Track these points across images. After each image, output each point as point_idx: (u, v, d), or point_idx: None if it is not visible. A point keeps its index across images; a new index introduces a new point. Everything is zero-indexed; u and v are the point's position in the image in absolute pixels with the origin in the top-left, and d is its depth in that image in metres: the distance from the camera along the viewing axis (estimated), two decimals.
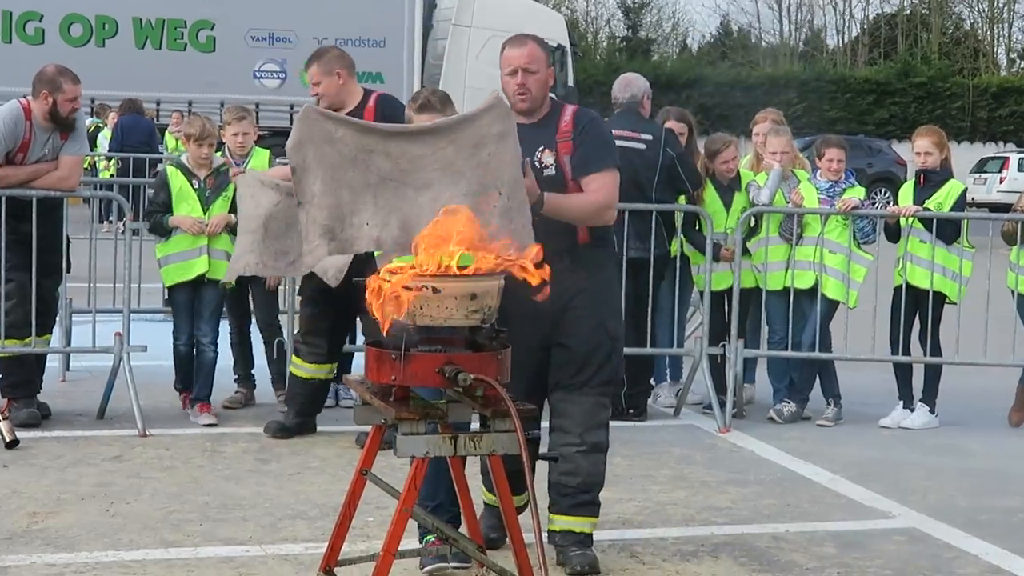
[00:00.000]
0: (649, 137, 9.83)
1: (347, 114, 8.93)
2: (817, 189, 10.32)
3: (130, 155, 18.45)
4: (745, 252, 10.30)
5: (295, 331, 9.55)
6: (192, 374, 9.63)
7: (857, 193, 10.30)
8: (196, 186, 9.43)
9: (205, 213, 9.36)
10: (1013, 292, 10.41)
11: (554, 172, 6.23)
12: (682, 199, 10.31)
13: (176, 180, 9.43)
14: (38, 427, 9.26)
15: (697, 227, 10.36)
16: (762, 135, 10.95)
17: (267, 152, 10.10)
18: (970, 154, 44.75)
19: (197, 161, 9.46)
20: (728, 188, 10.48)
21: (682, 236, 10.43)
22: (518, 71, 6.23)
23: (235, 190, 9.13)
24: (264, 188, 8.77)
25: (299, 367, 9.32)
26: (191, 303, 9.57)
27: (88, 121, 24.02)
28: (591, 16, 62.41)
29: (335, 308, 9.03)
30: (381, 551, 4.80)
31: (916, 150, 10.24)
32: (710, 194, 10.44)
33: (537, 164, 6.17)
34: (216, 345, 9.66)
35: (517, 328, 5.68)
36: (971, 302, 10.31)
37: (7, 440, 8.56)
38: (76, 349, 9.86)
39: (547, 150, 6.25)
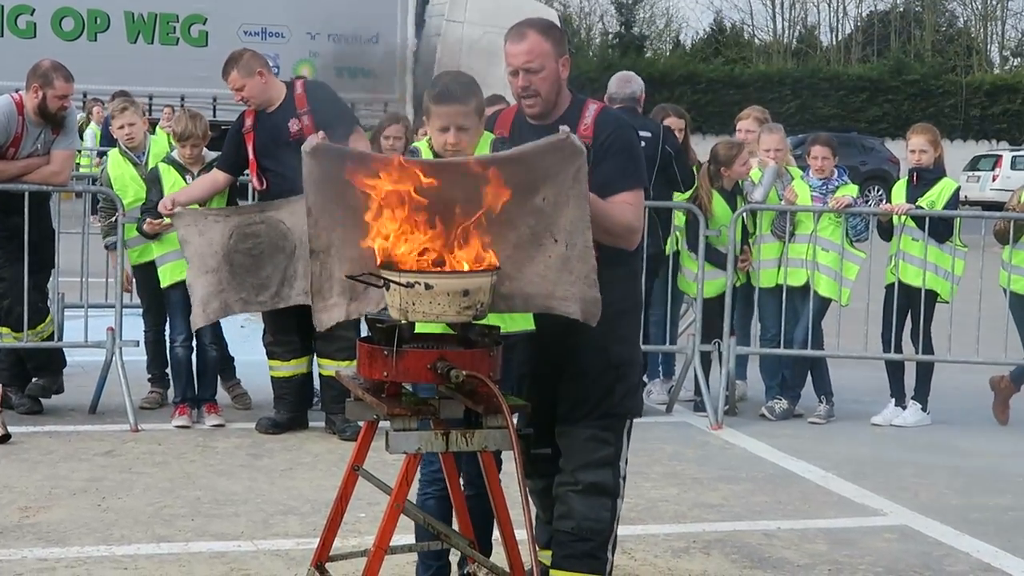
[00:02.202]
0: (648, 134, 9.83)
1: (278, 108, 8.97)
2: (810, 187, 10.32)
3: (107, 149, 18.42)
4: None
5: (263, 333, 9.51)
6: (190, 379, 9.50)
7: (850, 191, 10.30)
8: (189, 181, 9.33)
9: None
10: (1006, 291, 10.41)
11: None
12: (677, 197, 10.34)
13: (168, 177, 9.33)
14: (40, 413, 9.41)
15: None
16: (743, 131, 10.98)
17: (165, 138, 9.89)
18: (963, 152, 44.78)
19: (185, 160, 9.40)
20: (731, 193, 10.43)
21: (686, 247, 10.42)
22: (519, 72, 5.30)
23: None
24: (209, 221, 8.76)
25: (278, 368, 9.29)
26: (187, 303, 9.43)
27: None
28: (584, 12, 62.38)
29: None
30: (372, 547, 4.79)
31: (911, 148, 10.25)
32: (717, 200, 10.33)
33: None
34: (216, 344, 9.59)
35: (527, 361, 5.44)
36: (963, 300, 10.32)
37: None
38: (68, 344, 9.84)
39: None
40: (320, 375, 9.25)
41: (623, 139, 5.37)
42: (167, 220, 9.02)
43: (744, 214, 10.27)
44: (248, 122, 9.11)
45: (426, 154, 5.39)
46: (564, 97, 5.40)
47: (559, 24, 36.06)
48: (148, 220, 9.19)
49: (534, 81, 5.29)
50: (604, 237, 5.10)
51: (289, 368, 9.25)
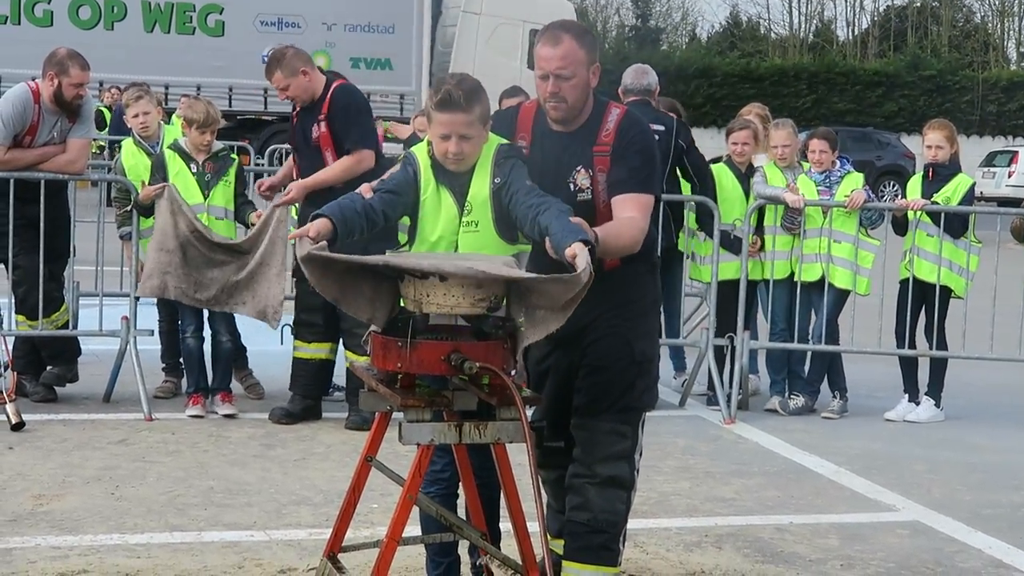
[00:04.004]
0: (662, 128, 9.84)
1: (311, 105, 9.01)
2: (814, 182, 10.30)
3: (119, 139, 18.46)
4: (760, 247, 10.34)
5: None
6: (202, 370, 9.49)
7: (855, 181, 10.28)
8: (194, 170, 9.32)
9: (205, 199, 9.27)
10: None
11: (589, 197, 5.29)
12: (687, 190, 10.37)
13: (174, 164, 9.32)
14: (54, 401, 9.45)
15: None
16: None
17: (179, 125, 9.97)
18: (979, 148, 44.72)
19: (197, 147, 9.36)
20: (746, 175, 10.48)
21: (695, 229, 10.45)
22: (549, 76, 5.21)
23: (211, 177, 9.31)
24: (182, 212, 9.02)
25: (299, 348, 9.36)
26: None
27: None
28: (600, 5, 62.38)
29: None
30: (385, 538, 4.79)
31: (927, 143, 10.22)
32: (730, 180, 10.42)
33: (572, 187, 5.27)
34: (230, 334, 9.57)
35: (545, 353, 5.45)
36: (978, 296, 10.30)
37: (13, 422, 8.58)
38: (83, 332, 9.86)
39: (583, 170, 5.29)
40: (346, 368, 9.26)
41: (642, 143, 5.33)
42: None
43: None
44: (297, 108, 9.21)
45: (424, 161, 5.26)
46: (590, 102, 5.34)
47: (575, 15, 35.82)
48: (144, 183, 9.38)
49: (563, 88, 5.21)
50: (605, 255, 5.08)
51: (309, 350, 9.28)
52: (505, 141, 5.33)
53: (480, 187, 5.21)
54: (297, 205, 9.29)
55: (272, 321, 9.20)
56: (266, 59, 9.20)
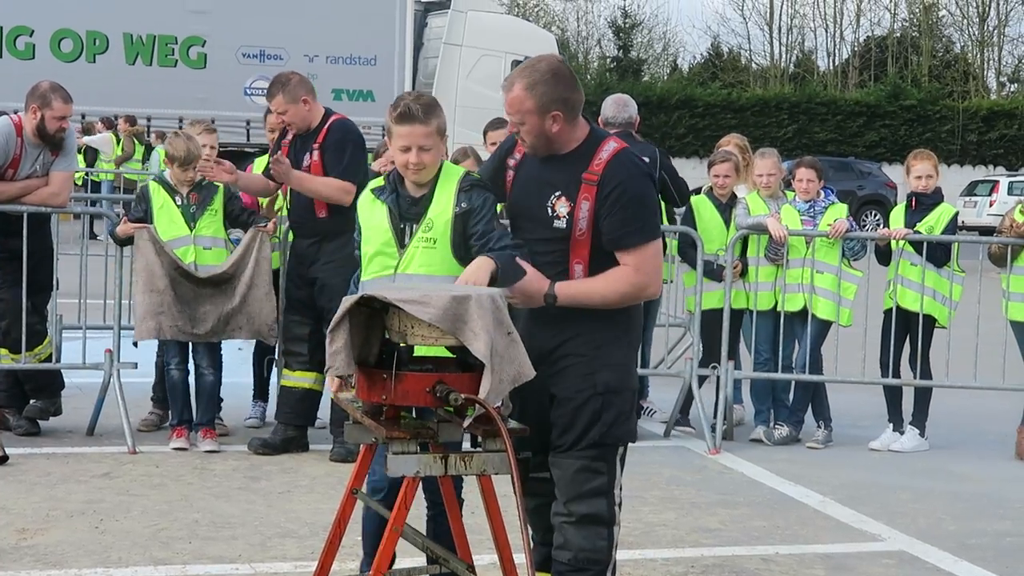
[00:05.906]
0: (646, 159, 9.84)
1: (308, 133, 9.06)
2: (798, 211, 10.33)
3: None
4: (743, 272, 10.36)
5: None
6: (186, 402, 9.41)
7: (839, 211, 10.31)
8: (179, 203, 9.27)
9: (192, 230, 9.24)
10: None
11: (564, 226, 5.24)
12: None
13: (158, 197, 9.28)
14: (38, 435, 9.42)
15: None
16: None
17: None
18: (960, 177, 44.89)
19: (180, 182, 9.32)
20: (727, 206, 10.51)
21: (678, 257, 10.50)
22: (507, 119, 5.41)
23: (212, 199, 9.33)
24: (164, 253, 9.06)
25: (286, 376, 9.39)
26: None
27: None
28: (582, 36, 62.45)
29: (315, 314, 9.05)
30: (371, 571, 4.79)
31: (916, 174, 10.24)
32: (709, 211, 10.47)
33: (548, 211, 5.27)
34: (216, 368, 9.47)
35: None
36: (961, 325, 10.32)
37: None
38: (66, 365, 9.83)
39: (564, 197, 5.25)
40: (331, 399, 9.24)
41: (632, 191, 5.27)
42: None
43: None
44: (289, 135, 9.19)
45: (365, 194, 5.62)
46: (580, 130, 5.34)
47: (556, 46, 35.51)
48: (124, 218, 9.37)
49: (520, 130, 5.30)
50: (610, 307, 5.26)
51: (293, 379, 9.28)
52: (469, 171, 5.60)
53: (442, 209, 5.48)
54: (291, 234, 9.44)
55: (270, 337, 9.36)
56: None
